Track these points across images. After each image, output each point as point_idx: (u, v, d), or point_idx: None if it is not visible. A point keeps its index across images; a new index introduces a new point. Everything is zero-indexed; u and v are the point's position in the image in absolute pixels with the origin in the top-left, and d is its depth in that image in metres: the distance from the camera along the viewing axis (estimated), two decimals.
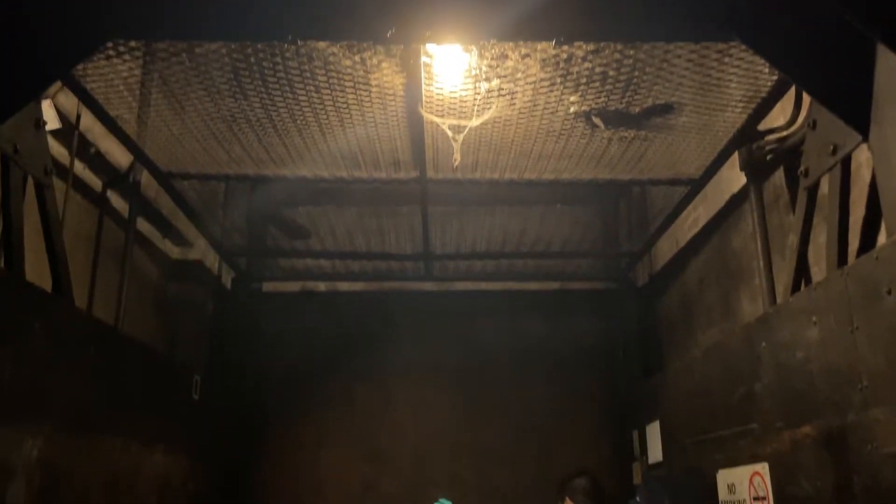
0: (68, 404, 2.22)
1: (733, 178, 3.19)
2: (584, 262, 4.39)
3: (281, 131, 2.69)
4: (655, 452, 3.51)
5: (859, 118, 1.94)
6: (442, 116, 2.48)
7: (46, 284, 2.24)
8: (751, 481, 2.43)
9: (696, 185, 3.22)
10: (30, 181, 2.22)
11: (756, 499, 2.39)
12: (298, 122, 2.62)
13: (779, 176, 2.91)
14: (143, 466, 2.79)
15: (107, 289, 3.15)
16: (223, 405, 3.85)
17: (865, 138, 1.95)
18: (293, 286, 4.61)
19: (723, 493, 2.67)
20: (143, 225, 3.57)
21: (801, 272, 2.36)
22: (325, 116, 2.59)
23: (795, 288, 2.32)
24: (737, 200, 3.26)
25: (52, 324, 2.13)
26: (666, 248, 4.21)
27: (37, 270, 2.21)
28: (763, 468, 2.35)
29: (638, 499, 3.76)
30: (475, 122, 2.40)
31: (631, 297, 4.45)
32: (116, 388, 2.56)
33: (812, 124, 2.22)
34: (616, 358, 4.42)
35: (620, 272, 4.48)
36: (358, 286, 4.65)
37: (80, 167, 3.03)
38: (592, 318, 4.57)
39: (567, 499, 3.40)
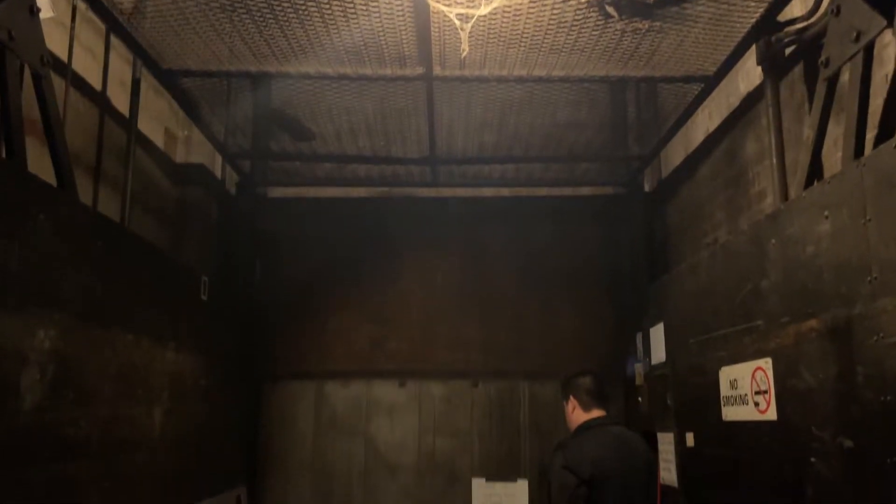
0: (78, 297, 2.23)
1: (748, 76, 3.10)
2: (592, 166, 4.34)
3: (282, 22, 2.60)
4: (659, 353, 3.56)
5: (885, 1, 1.86)
6: (449, 6, 2.38)
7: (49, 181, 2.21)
8: (753, 376, 2.47)
9: (711, 83, 3.13)
10: (27, 72, 2.16)
11: (757, 393, 2.43)
12: (300, 11, 2.53)
13: (796, 73, 2.83)
14: (155, 362, 2.84)
15: (111, 189, 3.13)
16: (231, 307, 3.90)
17: (890, 23, 1.88)
18: (298, 191, 4.59)
19: (725, 389, 2.71)
20: (144, 125, 3.51)
21: (815, 168, 2.32)
22: (327, 6, 2.49)
23: (808, 184, 2.29)
24: (752, 100, 3.18)
25: (58, 216, 2.13)
26: (676, 152, 4.15)
27: (38, 169, 2.18)
28: (766, 363, 2.38)
29: (639, 399, 3.85)
30: (483, 11, 2.30)
31: (639, 202, 4.42)
32: (125, 285, 2.58)
33: (836, 10, 2.13)
34: (622, 263, 4.43)
35: (629, 177, 4.43)
36: (363, 192, 4.62)
37: (79, 64, 2.95)
38: (600, 224, 4.56)
39: (571, 397, 3.47)
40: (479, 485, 4.22)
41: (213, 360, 3.52)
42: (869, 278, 1.82)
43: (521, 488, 4.20)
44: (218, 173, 4.22)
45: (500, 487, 4.19)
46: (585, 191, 4.59)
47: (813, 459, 2.06)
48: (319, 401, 4.41)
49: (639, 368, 3.90)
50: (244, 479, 4.07)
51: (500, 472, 4.26)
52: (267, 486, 4.28)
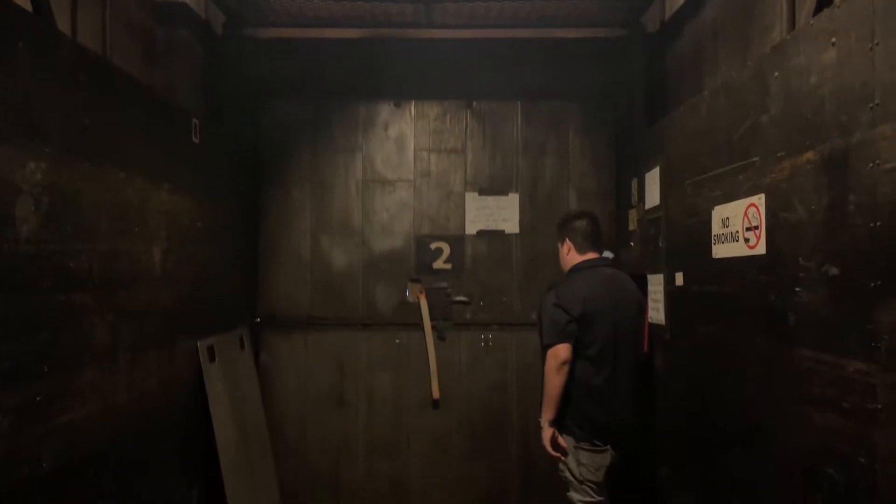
0: (66, 130, 2.20)
1: None
2: (591, 5, 4.13)
3: None
4: (653, 197, 3.57)
5: None
6: None
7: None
8: (745, 213, 2.49)
9: None
10: None
11: (748, 229, 2.46)
12: None
13: None
14: (150, 201, 2.84)
15: (89, 23, 2.99)
16: (223, 151, 3.85)
17: None
18: (286, 32, 4.40)
19: (716, 228, 2.74)
20: None
21: None
22: None
23: (818, 13, 2.20)
24: None
25: (37, 45, 2.05)
26: None
27: None
28: (759, 199, 2.39)
29: (632, 244, 3.91)
30: None
31: (640, 44, 4.26)
32: (113, 121, 2.53)
33: None
34: (620, 107, 4.35)
35: (631, 17, 4.25)
36: (354, 33, 4.44)
37: None
38: (599, 67, 4.43)
39: (567, 239, 3.53)
40: (472, 198, 4.48)
41: (209, 203, 3.52)
42: (871, 105, 1.79)
43: (511, 201, 4.46)
44: (202, 12, 4.03)
45: (492, 201, 4.44)
46: (585, 32, 4.41)
47: (798, 289, 2.12)
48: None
49: (633, 213, 3.94)
50: (245, 321, 4.20)
51: (493, 187, 4.49)
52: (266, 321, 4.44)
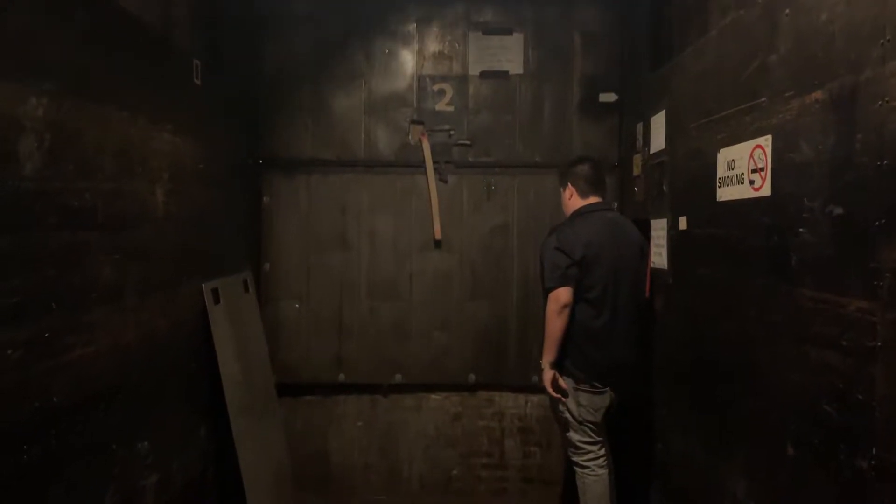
0: (67, 68, 2.18)
1: None
2: None
3: None
4: (658, 141, 3.55)
5: None
6: None
7: None
8: (751, 155, 2.48)
9: None
10: None
11: (754, 171, 2.45)
12: None
13: None
14: (153, 142, 2.83)
15: None
16: (225, 93, 3.81)
17: None
18: None
19: (721, 171, 2.73)
20: None
21: None
22: None
23: None
24: None
25: None
26: None
27: None
28: (766, 140, 2.37)
29: (636, 189, 3.90)
30: None
31: None
32: (114, 61, 2.50)
33: None
34: (624, 50, 4.28)
35: None
36: None
37: None
38: (601, 7, 4.36)
39: (569, 184, 3.52)
40: (475, 38, 4.42)
41: (211, 145, 3.50)
42: (882, 41, 1.76)
43: (516, 41, 4.42)
44: None
45: (496, 41, 4.41)
46: None
47: (801, 229, 2.13)
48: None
49: (637, 159, 3.91)
50: (249, 265, 4.22)
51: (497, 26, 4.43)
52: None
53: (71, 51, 2.21)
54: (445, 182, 4.41)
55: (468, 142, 4.42)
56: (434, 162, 4.38)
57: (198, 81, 3.34)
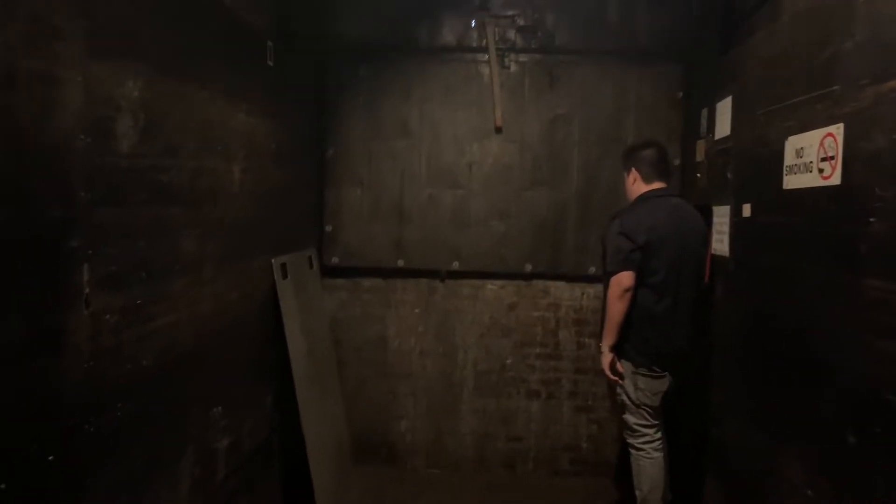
0: (158, 51, 2.30)
1: None
2: None
3: None
4: (723, 128, 3.52)
5: None
6: None
7: None
8: (821, 143, 2.46)
9: None
10: None
11: (823, 159, 2.44)
12: None
13: None
14: (230, 121, 2.95)
15: None
16: (295, 74, 3.93)
17: None
18: None
19: (789, 159, 2.72)
20: None
21: None
22: None
23: None
24: None
25: None
26: None
27: None
28: (837, 128, 2.36)
29: (698, 175, 3.88)
30: None
31: None
32: (197, 42, 2.62)
33: None
34: (692, 34, 4.23)
35: None
36: None
37: None
38: None
39: (633, 169, 3.53)
40: None
41: (282, 126, 3.63)
42: None
43: None
44: None
45: None
46: None
47: (872, 219, 2.12)
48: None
49: (701, 144, 3.89)
50: (314, 241, 4.36)
51: None
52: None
53: (162, 34, 2.33)
54: (508, 69, 4.38)
55: (532, 28, 4.34)
56: (497, 49, 4.34)
57: (271, 62, 3.46)
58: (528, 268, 4.44)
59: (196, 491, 2.65)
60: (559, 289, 4.47)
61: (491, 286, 4.51)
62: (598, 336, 3.52)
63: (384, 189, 4.48)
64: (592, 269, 4.32)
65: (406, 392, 4.56)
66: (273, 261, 3.50)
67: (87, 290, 1.91)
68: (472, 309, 4.52)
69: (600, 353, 3.44)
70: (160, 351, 2.35)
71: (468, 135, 4.44)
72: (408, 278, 4.52)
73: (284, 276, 3.62)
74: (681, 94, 4.29)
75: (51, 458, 1.77)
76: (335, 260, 4.49)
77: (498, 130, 4.41)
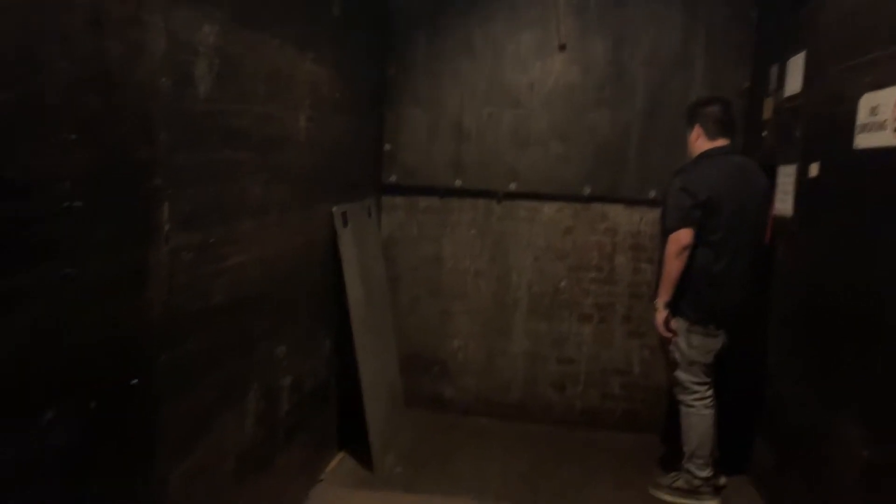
0: None
1: None
2: None
3: None
4: (794, 84, 3.43)
5: None
6: None
7: None
8: None
9: None
10: None
11: None
12: None
13: None
14: (297, 70, 3.01)
15: None
16: (358, 23, 3.95)
17: None
18: None
19: (863, 117, 2.64)
20: None
21: None
22: None
23: None
24: None
25: None
26: None
27: None
28: None
29: (764, 133, 3.80)
30: None
31: None
32: None
33: None
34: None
35: None
36: None
37: None
38: None
39: (697, 125, 3.48)
40: None
41: (345, 75, 3.66)
42: None
43: None
44: None
45: None
46: None
47: None
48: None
49: (768, 102, 3.80)
50: (373, 191, 4.43)
51: None
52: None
53: None
54: None
55: None
56: None
57: (336, 12, 3.49)
58: (587, 190, 4.39)
59: (260, 423, 2.78)
60: (617, 213, 4.41)
61: (548, 209, 4.47)
62: (655, 284, 3.52)
63: (444, 108, 4.47)
64: (653, 194, 4.25)
65: (459, 312, 4.63)
66: (334, 209, 3.58)
67: (166, 228, 2.01)
68: (528, 231, 4.50)
69: (654, 309, 3.44)
70: (230, 289, 2.45)
71: (531, 54, 4.37)
72: (464, 198, 4.54)
73: (345, 224, 3.70)
74: (753, 14, 4.14)
75: (134, 382, 1.89)
76: (393, 178, 4.55)
77: (561, 49, 4.32)
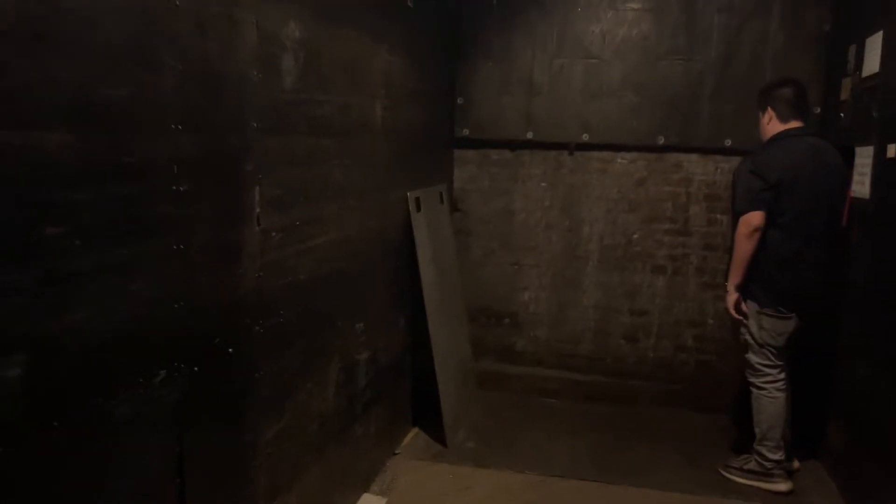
0: None
1: None
2: None
3: None
4: (871, 65, 3.37)
5: None
6: None
7: None
8: None
9: None
10: None
11: None
12: None
13: None
14: (374, 61, 3.16)
15: None
16: (431, 16, 4.07)
17: None
18: None
19: None
20: None
21: None
22: None
23: None
24: None
25: None
26: None
27: None
28: None
29: (842, 114, 3.74)
30: None
31: None
32: None
33: None
34: None
35: None
36: None
37: None
38: None
39: (769, 108, 3.47)
40: None
41: (419, 66, 3.80)
42: None
43: None
44: None
45: None
46: None
47: None
48: None
49: (846, 82, 3.73)
50: (445, 178, 4.56)
51: None
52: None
53: None
54: None
55: None
56: None
57: (411, 4, 3.62)
58: (661, 140, 4.37)
59: (340, 394, 2.96)
60: (692, 163, 4.39)
61: (620, 160, 4.48)
62: (727, 262, 3.53)
63: (515, 60, 4.53)
64: (728, 142, 4.23)
65: (531, 264, 4.71)
66: (409, 194, 3.73)
67: (258, 210, 2.19)
68: (601, 183, 4.52)
69: (725, 292, 3.46)
70: (313, 267, 2.63)
71: (602, 2, 4.39)
72: (535, 150, 4.59)
73: (418, 208, 3.84)
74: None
75: (230, 350, 2.09)
76: (465, 132, 4.64)
77: None
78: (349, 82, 2.89)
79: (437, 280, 4.03)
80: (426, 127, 4.06)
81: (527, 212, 4.68)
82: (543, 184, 4.62)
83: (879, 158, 3.17)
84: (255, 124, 2.15)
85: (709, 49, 4.27)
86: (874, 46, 3.35)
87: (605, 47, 4.41)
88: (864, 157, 3.36)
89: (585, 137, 4.48)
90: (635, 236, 4.53)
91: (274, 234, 2.30)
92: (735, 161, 3.95)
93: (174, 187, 1.76)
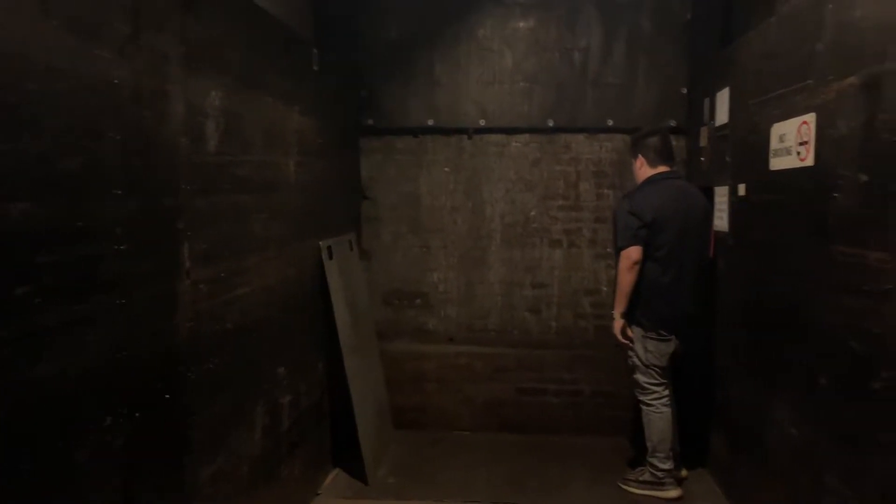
0: (233, 66, 2.75)
1: None
2: None
3: None
4: (722, 116, 3.91)
5: None
6: None
7: None
8: (798, 130, 2.85)
9: None
10: None
11: (800, 143, 2.83)
12: None
13: None
14: (287, 122, 3.40)
15: None
16: (336, 74, 4.36)
17: None
18: None
19: (774, 143, 3.11)
20: None
21: None
22: None
23: None
24: None
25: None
26: None
27: None
28: (811, 117, 2.75)
29: (702, 158, 4.25)
30: None
31: None
32: (263, 56, 3.07)
33: None
34: (695, 29, 4.60)
35: None
36: None
37: None
38: None
39: (640, 155, 3.93)
40: None
41: (325, 122, 4.07)
42: None
43: None
44: None
45: None
46: None
47: (836, 194, 2.51)
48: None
49: (704, 131, 4.27)
50: (353, 226, 4.81)
51: None
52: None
53: (235, 52, 2.78)
54: None
55: None
56: None
57: (316, 67, 3.90)
58: (550, 123, 4.80)
59: (266, 436, 3.12)
60: (579, 143, 4.84)
61: (515, 143, 4.88)
62: (612, 293, 3.93)
63: (414, 51, 4.88)
64: (610, 122, 4.75)
65: (438, 246, 5.00)
66: (321, 243, 3.95)
67: (187, 264, 2.37)
68: (499, 165, 4.90)
69: (612, 319, 3.85)
70: (239, 316, 2.81)
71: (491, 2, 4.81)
72: (437, 136, 4.93)
73: (330, 256, 4.07)
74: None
75: (167, 396, 2.24)
76: (370, 122, 4.93)
77: None
78: (265, 143, 3.11)
79: (351, 323, 4.24)
80: (335, 179, 4.31)
81: (432, 196, 4.99)
82: (447, 168, 4.96)
83: (733, 197, 3.67)
84: (185, 186, 2.34)
85: (588, 42, 4.79)
86: (723, 100, 3.89)
87: (496, 38, 4.84)
88: (721, 196, 3.87)
89: (483, 123, 4.87)
90: (532, 213, 4.92)
91: (202, 285, 2.48)
92: (617, 140, 4.65)
93: (116, 247, 1.94)
